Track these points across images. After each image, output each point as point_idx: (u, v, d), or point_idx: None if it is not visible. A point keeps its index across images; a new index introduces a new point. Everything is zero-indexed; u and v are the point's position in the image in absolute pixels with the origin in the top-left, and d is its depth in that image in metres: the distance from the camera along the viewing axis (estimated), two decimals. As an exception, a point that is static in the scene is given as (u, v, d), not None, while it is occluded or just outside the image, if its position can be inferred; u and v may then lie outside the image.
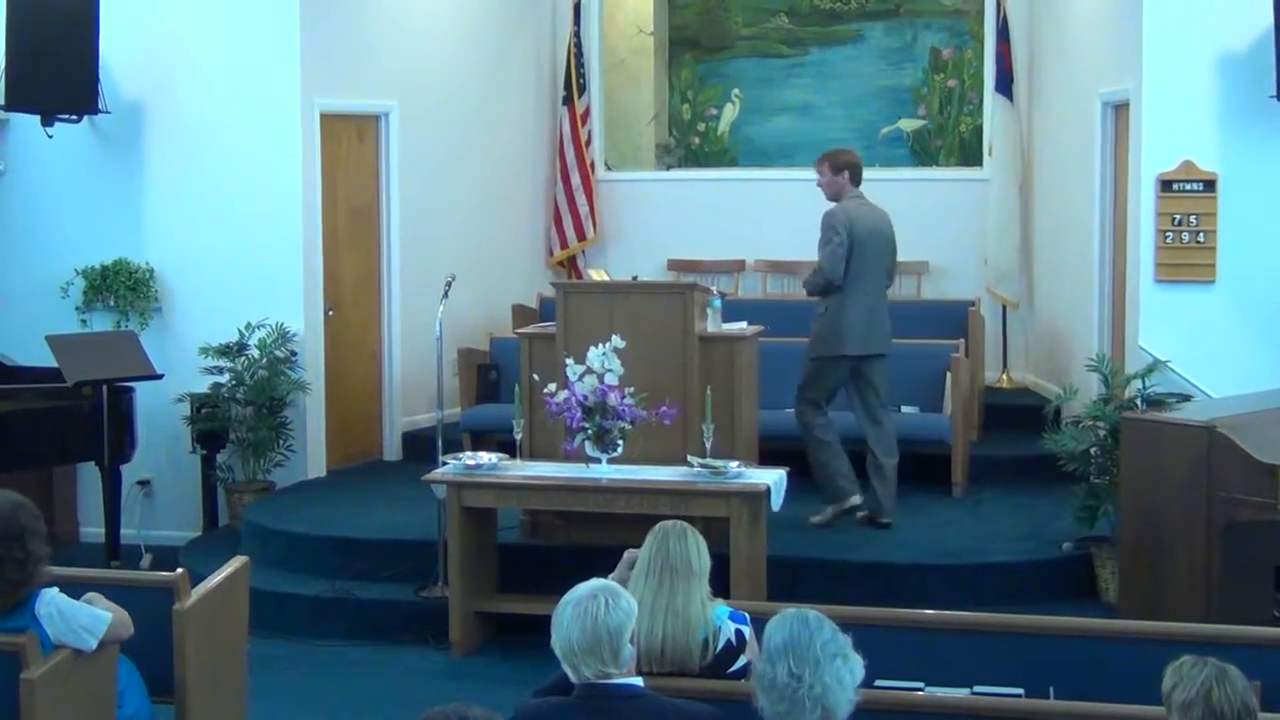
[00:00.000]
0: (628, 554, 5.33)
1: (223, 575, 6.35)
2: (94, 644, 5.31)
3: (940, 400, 9.99)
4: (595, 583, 4.28)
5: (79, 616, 5.29)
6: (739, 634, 5.04)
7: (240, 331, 10.03)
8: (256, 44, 10.25)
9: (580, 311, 8.49)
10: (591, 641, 4.13)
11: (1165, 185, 9.04)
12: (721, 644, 5.00)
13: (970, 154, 12.55)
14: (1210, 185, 9.01)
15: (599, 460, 7.86)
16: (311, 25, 10.25)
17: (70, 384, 9.31)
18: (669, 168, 12.98)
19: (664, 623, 4.94)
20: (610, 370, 7.74)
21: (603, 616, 4.14)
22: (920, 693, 5.13)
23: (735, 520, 7.60)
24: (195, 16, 10.32)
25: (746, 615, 5.14)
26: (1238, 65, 8.92)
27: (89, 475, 10.11)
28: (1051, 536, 8.76)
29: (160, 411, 10.12)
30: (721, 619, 5.05)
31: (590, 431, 7.78)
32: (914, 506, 9.51)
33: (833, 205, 9.07)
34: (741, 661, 5.01)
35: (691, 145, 12.97)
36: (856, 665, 3.91)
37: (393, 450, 11.17)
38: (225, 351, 10.01)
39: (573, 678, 4.20)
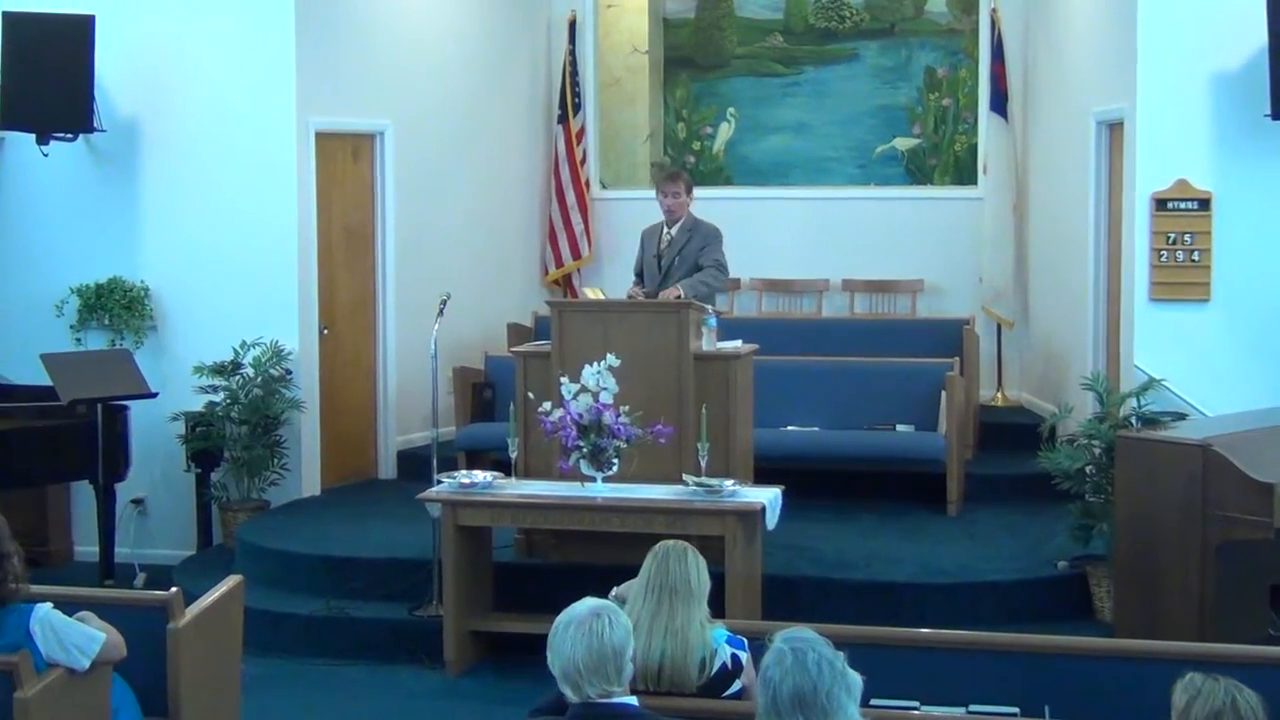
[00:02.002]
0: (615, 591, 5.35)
1: (217, 594, 6.34)
2: (86, 664, 5.30)
3: (935, 418, 9.98)
4: (594, 602, 4.27)
5: (72, 635, 5.28)
6: (735, 658, 5.04)
7: (235, 350, 10.02)
8: (252, 63, 10.25)
9: (575, 330, 8.48)
10: (597, 661, 4.12)
11: (1160, 204, 9.06)
12: (717, 667, 4.99)
13: (965, 173, 12.56)
14: (1205, 204, 9.03)
15: (594, 479, 7.85)
16: (307, 44, 10.26)
17: (65, 402, 9.30)
18: (664, 186, 13.00)
19: (662, 642, 4.94)
20: (605, 389, 7.74)
21: (608, 635, 4.14)
22: (916, 712, 5.13)
23: (730, 539, 7.58)
24: (191, 36, 10.33)
25: (744, 641, 5.13)
26: (1232, 84, 8.95)
27: (83, 494, 10.09)
28: (1046, 555, 8.75)
29: (155, 430, 10.11)
30: (719, 642, 5.04)
31: (585, 450, 7.77)
32: (909, 525, 9.52)
33: (701, 219, 9.53)
34: (736, 686, 5.01)
35: (687, 164, 12.96)
36: (856, 688, 3.90)
37: (387, 469, 11.16)
38: (220, 370, 10.01)
39: (573, 697, 4.18)
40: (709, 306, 8.74)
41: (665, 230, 9.50)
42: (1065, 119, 10.97)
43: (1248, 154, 8.98)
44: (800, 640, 3.94)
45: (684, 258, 9.30)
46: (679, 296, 8.99)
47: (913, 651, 5.53)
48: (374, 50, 10.92)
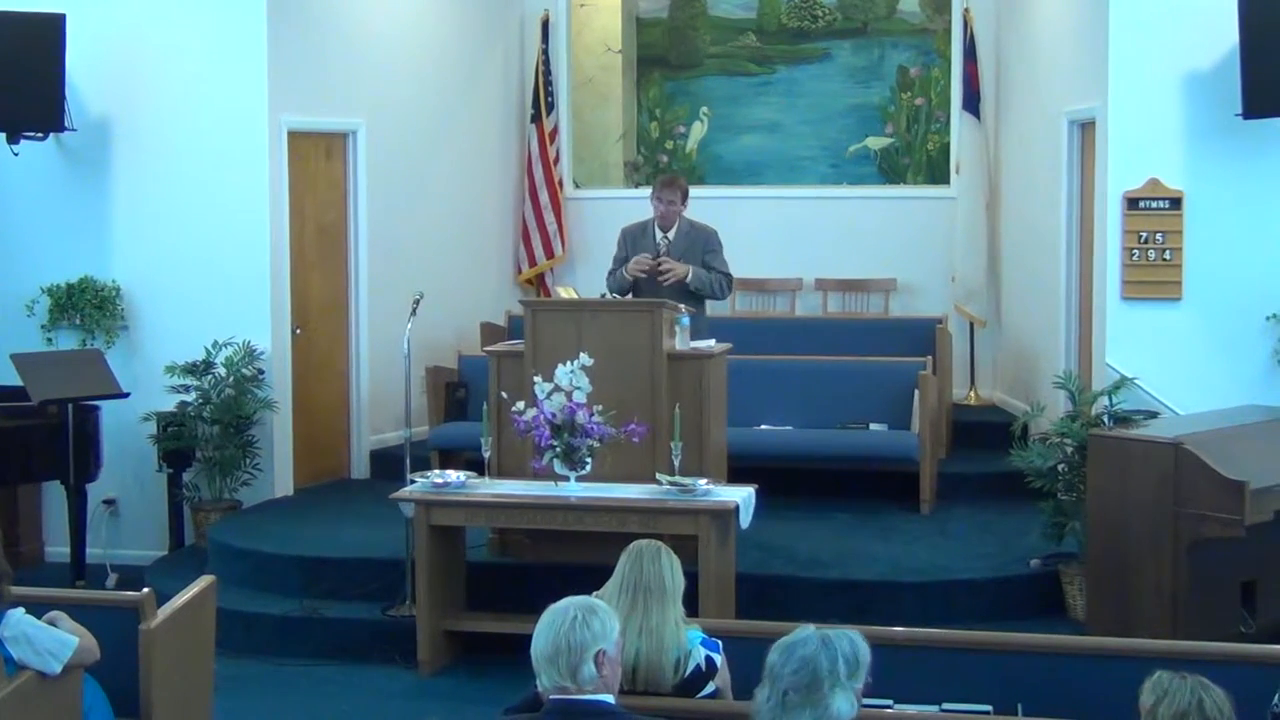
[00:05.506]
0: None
1: (189, 595, 6.32)
2: (58, 668, 5.26)
3: (908, 417, 10.00)
4: (578, 599, 4.28)
5: (44, 640, 5.24)
6: (710, 661, 5.04)
7: (207, 350, 9.99)
8: (224, 62, 10.21)
9: (548, 329, 8.47)
10: (553, 652, 4.14)
11: (1131, 203, 9.09)
12: (691, 668, 4.99)
13: (938, 172, 12.59)
14: (1176, 203, 9.06)
15: (567, 478, 7.85)
16: (279, 43, 10.23)
17: (35, 403, 9.27)
18: (637, 185, 12.99)
19: (637, 641, 4.94)
20: (578, 388, 7.73)
21: (566, 630, 4.15)
22: (889, 710, 5.13)
23: (704, 538, 7.59)
24: (162, 34, 10.29)
25: (719, 643, 5.13)
26: (1204, 84, 8.98)
27: (54, 494, 10.06)
28: (1019, 553, 8.77)
29: (126, 430, 10.08)
30: (694, 643, 5.04)
31: (558, 449, 7.77)
32: (882, 524, 9.53)
33: (696, 220, 9.54)
34: (711, 688, 5.01)
35: (660, 163, 12.98)
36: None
37: (360, 469, 11.14)
38: (192, 370, 9.97)
39: (539, 686, 4.20)
40: (682, 306, 8.72)
41: (660, 233, 9.42)
42: (1037, 118, 10.99)
43: (1219, 153, 9.02)
44: (808, 638, 3.99)
45: (687, 259, 9.30)
46: (687, 276, 9.12)
47: (886, 650, 5.48)
48: (347, 49, 10.90)
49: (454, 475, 8.19)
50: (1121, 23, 9.10)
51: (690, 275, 9.22)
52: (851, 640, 4.02)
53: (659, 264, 9.21)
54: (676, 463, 7.87)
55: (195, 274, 10.25)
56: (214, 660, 6.61)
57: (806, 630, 4.04)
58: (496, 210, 12.70)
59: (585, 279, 12.01)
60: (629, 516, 7.64)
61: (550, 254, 12.70)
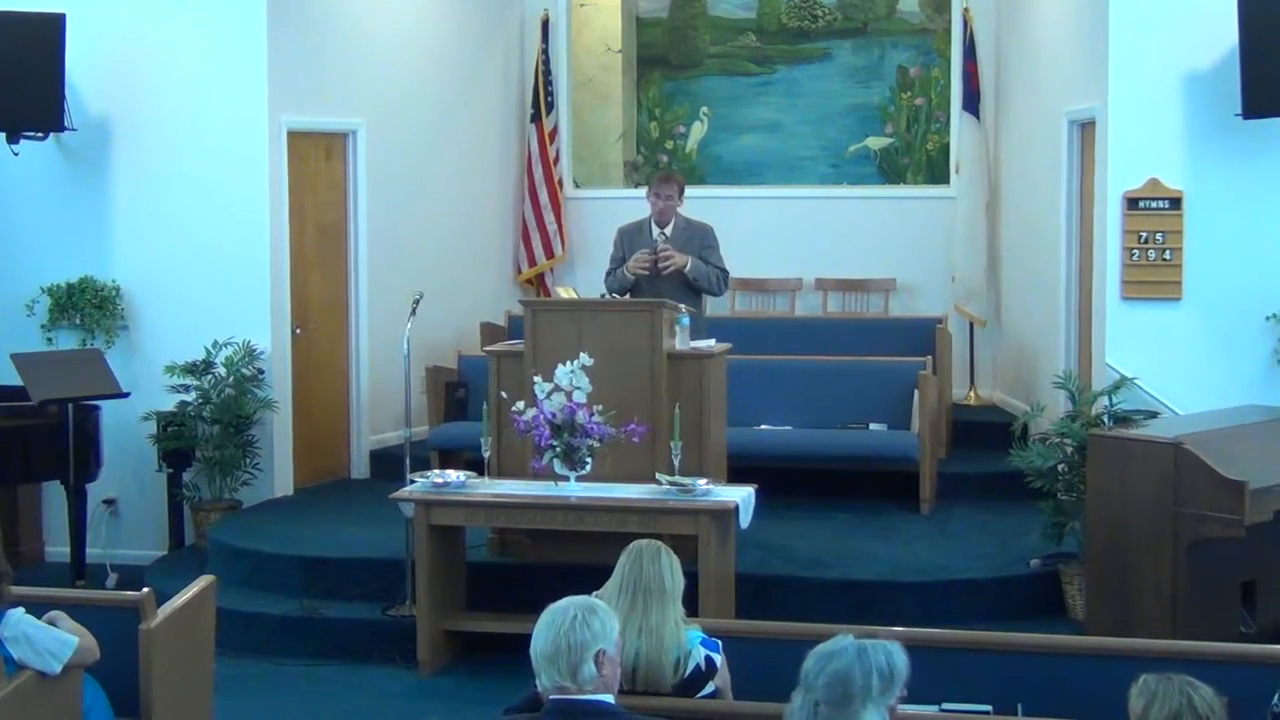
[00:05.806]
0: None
1: (189, 594, 6.32)
2: (59, 668, 5.26)
3: (908, 417, 10.00)
4: (578, 598, 4.28)
5: (44, 640, 5.24)
6: (709, 661, 5.04)
7: (207, 350, 9.99)
8: (224, 62, 10.21)
9: (548, 329, 8.47)
10: (552, 652, 4.14)
11: (1131, 203, 9.09)
12: (691, 668, 4.99)
13: (938, 172, 12.59)
14: (1176, 203, 9.06)
15: (567, 478, 7.85)
16: (279, 43, 10.23)
17: (35, 403, 9.26)
18: (637, 185, 12.98)
19: (637, 641, 4.94)
20: (578, 388, 7.73)
21: (566, 629, 4.15)
22: (889, 710, 5.13)
23: (704, 538, 7.59)
24: (162, 34, 10.29)
25: (719, 643, 5.13)
26: (1203, 84, 8.98)
27: (54, 494, 10.05)
28: (1019, 553, 8.77)
29: (126, 430, 10.08)
30: (693, 643, 5.04)
31: (558, 449, 7.76)
32: (882, 524, 9.53)
33: (693, 217, 9.59)
34: (710, 688, 5.01)
35: (660, 163, 12.97)
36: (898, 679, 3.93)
37: (360, 468, 11.14)
38: (192, 370, 9.97)
39: (539, 686, 4.20)
40: (682, 306, 8.72)
41: (657, 230, 9.45)
42: (1037, 118, 10.99)
43: (1219, 153, 9.02)
44: (845, 653, 3.95)
45: (686, 254, 9.33)
46: (686, 265, 9.19)
47: (886, 650, 5.53)
48: (347, 49, 10.90)
49: (454, 475, 8.19)
50: (1121, 23, 9.10)
51: (689, 265, 9.25)
52: (888, 652, 3.96)
53: (659, 254, 9.23)
54: (676, 463, 7.87)
55: (195, 274, 10.25)
56: (214, 660, 6.61)
57: (844, 640, 3.99)
58: (496, 210, 12.70)
59: (585, 279, 12.01)
60: (629, 516, 7.64)
61: (550, 254, 12.70)
